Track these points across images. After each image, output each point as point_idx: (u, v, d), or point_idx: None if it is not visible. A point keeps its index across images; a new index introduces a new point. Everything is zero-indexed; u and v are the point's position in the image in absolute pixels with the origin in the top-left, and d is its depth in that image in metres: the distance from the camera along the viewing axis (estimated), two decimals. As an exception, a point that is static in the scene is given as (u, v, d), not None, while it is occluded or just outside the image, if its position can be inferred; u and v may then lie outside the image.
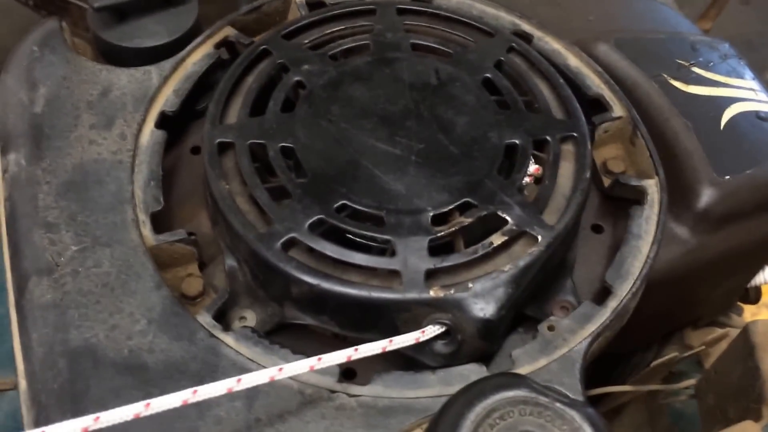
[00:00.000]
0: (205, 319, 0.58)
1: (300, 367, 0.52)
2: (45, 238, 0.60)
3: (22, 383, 0.57)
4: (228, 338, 0.57)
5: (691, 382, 0.86)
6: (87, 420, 0.44)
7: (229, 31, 0.73)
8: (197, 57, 0.71)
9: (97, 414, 0.44)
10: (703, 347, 0.85)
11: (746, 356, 0.73)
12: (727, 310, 0.90)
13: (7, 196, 0.63)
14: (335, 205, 0.59)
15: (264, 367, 0.56)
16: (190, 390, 0.48)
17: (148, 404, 0.45)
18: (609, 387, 0.84)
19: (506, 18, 0.77)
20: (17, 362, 0.59)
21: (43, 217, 0.61)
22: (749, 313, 1.00)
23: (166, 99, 0.68)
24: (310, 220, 0.58)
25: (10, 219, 0.62)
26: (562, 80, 0.70)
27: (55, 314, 0.57)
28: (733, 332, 0.86)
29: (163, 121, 0.67)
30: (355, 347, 0.54)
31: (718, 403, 0.79)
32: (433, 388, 0.57)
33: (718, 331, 0.86)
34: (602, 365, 0.66)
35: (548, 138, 0.65)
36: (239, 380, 0.49)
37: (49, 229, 0.60)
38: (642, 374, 0.87)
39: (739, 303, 0.96)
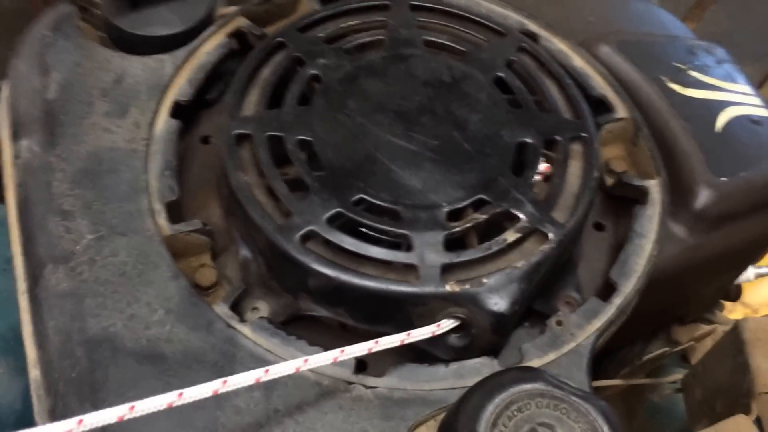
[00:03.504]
0: (223, 309, 0.58)
1: (324, 358, 0.53)
2: (60, 225, 0.60)
3: (34, 372, 0.57)
4: (245, 329, 0.58)
5: (678, 376, 0.88)
6: (122, 409, 0.44)
7: (241, 22, 0.73)
8: (210, 47, 0.71)
9: (132, 403, 0.45)
10: (692, 343, 0.87)
11: (736, 352, 0.75)
12: (713, 307, 0.93)
13: (20, 182, 0.62)
14: (353, 199, 0.60)
15: (281, 357, 0.56)
16: (220, 381, 0.48)
17: (180, 394, 0.46)
18: (602, 381, 0.86)
19: (513, 17, 0.79)
20: (27, 350, 0.58)
21: (58, 204, 0.61)
22: (727, 310, 1.03)
23: (180, 88, 0.68)
24: (329, 213, 0.59)
25: (22, 205, 0.61)
26: (570, 81, 0.72)
27: (72, 303, 0.57)
28: (720, 329, 0.88)
29: (177, 111, 0.67)
30: (376, 340, 0.55)
31: (705, 397, 0.82)
32: (447, 381, 0.58)
33: (705, 328, 0.89)
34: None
35: (558, 138, 0.66)
36: (267, 371, 0.50)
37: (65, 217, 0.60)
38: (631, 368, 0.89)
39: (720, 300, 0.99)
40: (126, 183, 0.62)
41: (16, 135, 0.64)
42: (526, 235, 0.61)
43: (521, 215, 0.61)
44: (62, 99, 0.66)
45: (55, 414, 0.53)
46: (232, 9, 0.74)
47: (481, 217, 0.61)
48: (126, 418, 0.44)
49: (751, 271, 0.95)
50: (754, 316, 0.76)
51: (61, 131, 0.64)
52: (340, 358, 0.53)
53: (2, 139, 0.67)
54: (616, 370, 0.96)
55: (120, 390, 0.54)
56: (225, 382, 0.48)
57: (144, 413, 0.45)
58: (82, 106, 0.66)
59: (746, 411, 0.73)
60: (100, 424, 0.45)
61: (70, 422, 0.44)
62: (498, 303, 0.58)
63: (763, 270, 0.97)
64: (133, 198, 0.62)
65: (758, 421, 0.71)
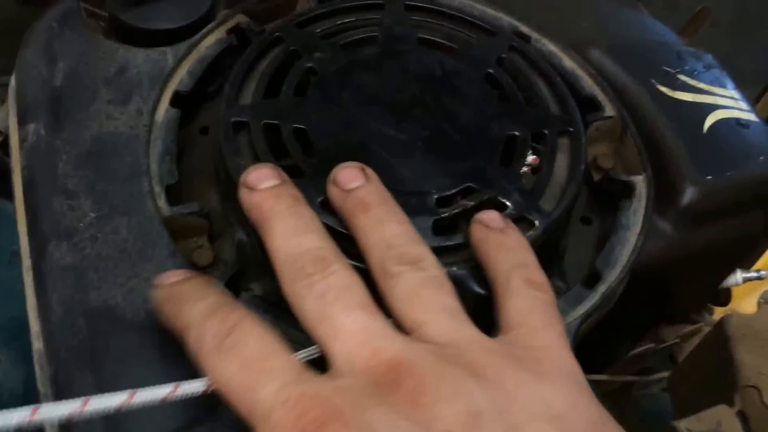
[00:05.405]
0: (218, 287, 0.60)
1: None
2: (65, 204, 0.62)
3: (37, 344, 0.59)
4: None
5: (665, 374, 0.90)
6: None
7: (241, 19, 0.76)
8: (210, 41, 0.74)
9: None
10: (678, 340, 0.89)
11: (720, 347, 0.77)
12: (700, 308, 0.95)
13: (26, 164, 0.65)
14: (346, 185, 0.62)
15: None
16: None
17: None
18: (589, 375, 0.88)
19: (505, 20, 0.81)
20: (31, 323, 0.61)
21: (63, 184, 0.63)
22: (717, 315, 1.05)
23: (180, 79, 0.71)
24: (322, 198, 0.61)
25: (28, 185, 0.64)
26: (559, 79, 0.74)
27: (74, 276, 0.59)
28: (706, 328, 0.90)
29: (177, 100, 0.70)
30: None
31: (691, 393, 0.83)
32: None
33: (692, 327, 0.91)
34: (579, 358, 0.70)
35: (546, 131, 0.69)
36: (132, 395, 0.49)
37: (69, 196, 0.63)
38: (617, 365, 0.91)
39: (709, 304, 1.00)
40: (128, 166, 0.65)
41: (23, 120, 0.67)
42: (513, 221, 0.63)
43: (508, 203, 0.63)
44: (68, 86, 0.68)
45: (57, 381, 0.56)
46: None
47: (469, 203, 0.63)
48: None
49: (739, 275, 0.96)
50: (738, 312, 0.77)
51: (67, 116, 0.67)
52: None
53: (9, 126, 0.69)
54: (605, 368, 0.98)
55: (119, 358, 0.56)
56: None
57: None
58: (87, 93, 0.68)
59: (730, 403, 0.75)
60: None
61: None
62: (483, 286, 0.60)
63: (752, 274, 0.99)
64: (134, 180, 0.64)
65: (741, 413, 0.72)
